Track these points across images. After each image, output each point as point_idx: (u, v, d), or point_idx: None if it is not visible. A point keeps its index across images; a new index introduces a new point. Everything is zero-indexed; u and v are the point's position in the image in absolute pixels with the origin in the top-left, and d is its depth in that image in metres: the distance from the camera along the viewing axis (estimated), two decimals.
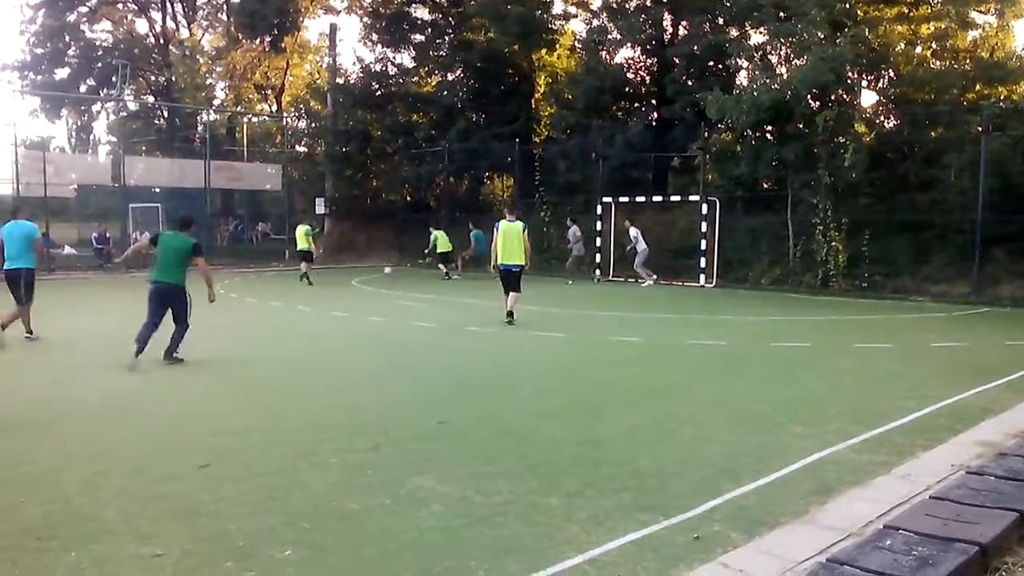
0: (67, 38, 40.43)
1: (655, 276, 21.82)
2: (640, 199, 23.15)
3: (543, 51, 31.17)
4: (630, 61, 29.41)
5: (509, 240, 13.33)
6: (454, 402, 7.57)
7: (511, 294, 13.33)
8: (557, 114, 30.30)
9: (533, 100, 32.48)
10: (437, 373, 9.22)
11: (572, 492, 4.96)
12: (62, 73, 40.71)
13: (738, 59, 23.01)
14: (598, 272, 22.89)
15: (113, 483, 5.14)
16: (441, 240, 24.76)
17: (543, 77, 32.48)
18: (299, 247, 22.72)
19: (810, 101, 19.82)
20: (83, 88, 40.70)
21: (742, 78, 23.92)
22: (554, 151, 28.91)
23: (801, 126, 20.19)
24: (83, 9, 40.71)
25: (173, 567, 3.91)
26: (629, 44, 28.66)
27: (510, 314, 13.21)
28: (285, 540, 4.22)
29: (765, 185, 23.21)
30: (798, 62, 20.30)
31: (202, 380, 8.74)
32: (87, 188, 36.64)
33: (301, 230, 22.94)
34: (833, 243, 19.28)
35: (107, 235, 28.31)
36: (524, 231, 13.46)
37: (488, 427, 6.60)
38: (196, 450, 5.84)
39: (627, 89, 28.91)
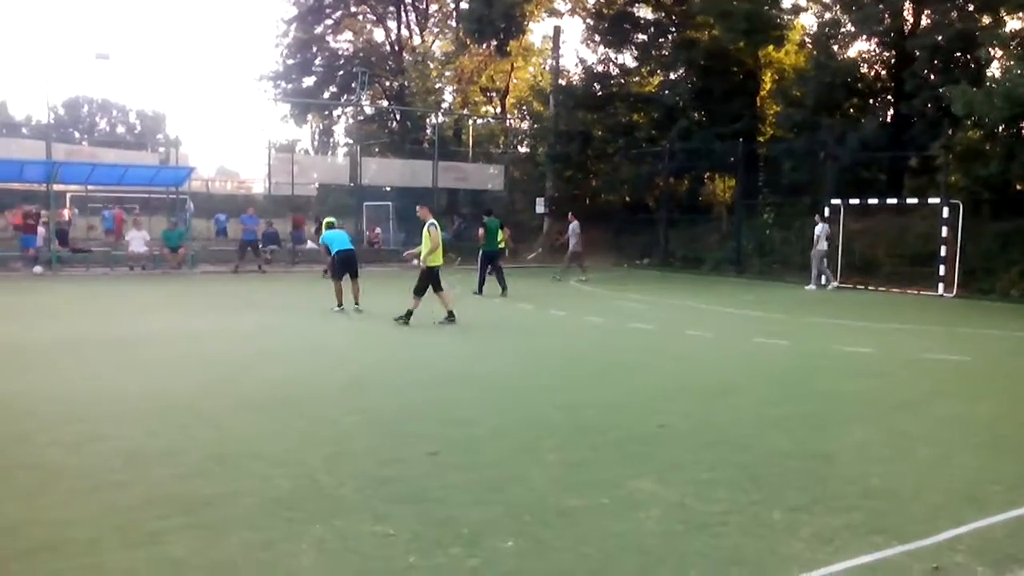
0: (314, 49, 43.65)
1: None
2: (872, 201, 21.83)
3: (770, 47, 30.05)
4: (864, 55, 27.80)
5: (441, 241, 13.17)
6: (673, 405, 7.49)
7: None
8: (783, 112, 29.15)
9: (758, 98, 31.44)
10: (655, 375, 9.18)
11: (796, 507, 4.78)
12: (309, 81, 44.00)
13: (990, 49, 21.14)
14: (823, 278, 21.81)
15: (351, 463, 5.52)
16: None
17: (769, 74, 31.38)
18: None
19: None
20: (326, 94, 43.79)
21: (994, 69, 21.95)
22: (779, 150, 27.89)
23: None
24: (328, 22, 43.84)
25: (404, 547, 4.13)
26: (864, 36, 27.04)
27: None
28: (507, 531, 4.36)
29: (1018, 187, 21.19)
30: None
31: (429, 371, 9.16)
32: (327, 187, 39.34)
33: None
34: None
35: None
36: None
37: (708, 433, 6.48)
38: (425, 437, 6.15)
39: (860, 85, 27.34)
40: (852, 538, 4.32)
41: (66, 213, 30.62)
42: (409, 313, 12.80)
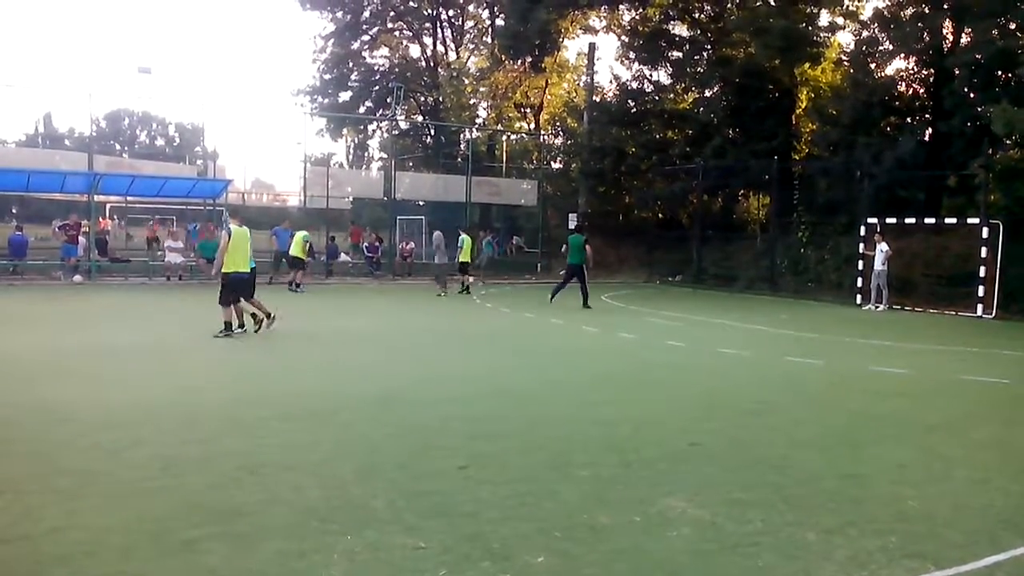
0: (350, 64, 44.24)
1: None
2: (910, 221, 21.55)
3: (806, 65, 29.93)
4: (902, 73, 27.60)
5: (247, 247, 12.60)
6: (705, 424, 7.44)
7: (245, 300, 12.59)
8: (819, 130, 29.00)
9: (794, 116, 31.28)
10: (688, 393, 9.12)
11: (830, 528, 4.72)
12: (345, 96, 44.57)
13: None
14: (859, 297, 21.56)
15: (383, 475, 5.54)
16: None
17: (805, 92, 31.21)
18: (293, 254, 22.22)
19: None
20: (362, 109, 44.31)
21: None
22: (815, 169, 27.72)
23: None
24: (365, 38, 44.41)
25: (435, 560, 4.14)
26: (902, 55, 26.87)
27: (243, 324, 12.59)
28: (538, 546, 4.35)
29: None
30: None
31: (459, 386, 9.18)
32: (361, 200, 39.73)
33: (300, 236, 22.45)
34: None
35: (377, 244, 30.58)
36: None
37: (741, 453, 6.42)
38: (455, 451, 6.16)
39: (898, 103, 27.13)
40: (887, 562, 4.26)
41: (108, 224, 31.20)
42: (228, 325, 12.27)
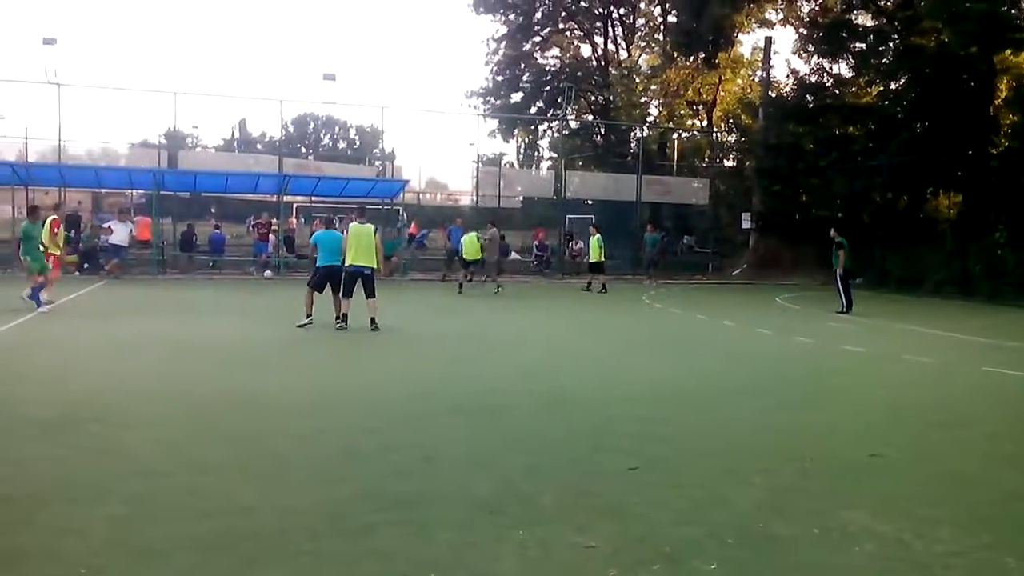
0: (522, 65, 44.88)
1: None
2: None
3: (1007, 52, 27.70)
4: None
5: (361, 243, 13.01)
6: (887, 435, 7.04)
7: (369, 300, 13.07)
8: (1021, 122, 26.78)
9: (991, 107, 29.04)
10: (869, 401, 8.65)
11: None
12: (516, 97, 45.27)
13: None
14: None
15: (551, 472, 5.59)
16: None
17: (1005, 81, 28.89)
18: (468, 257, 21.69)
19: None
20: (533, 109, 44.84)
21: None
22: (1015, 163, 25.62)
23: None
24: (537, 39, 44.93)
25: (605, 560, 4.12)
26: None
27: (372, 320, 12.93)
28: (710, 553, 4.25)
29: None
30: None
31: (630, 387, 9.13)
32: (530, 199, 40.27)
33: (472, 237, 22.02)
34: None
35: (546, 243, 30.89)
36: (375, 233, 13.51)
37: (929, 466, 6.04)
38: (626, 453, 6.10)
39: None
40: None
41: (295, 222, 33.14)
42: (343, 317, 12.88)
